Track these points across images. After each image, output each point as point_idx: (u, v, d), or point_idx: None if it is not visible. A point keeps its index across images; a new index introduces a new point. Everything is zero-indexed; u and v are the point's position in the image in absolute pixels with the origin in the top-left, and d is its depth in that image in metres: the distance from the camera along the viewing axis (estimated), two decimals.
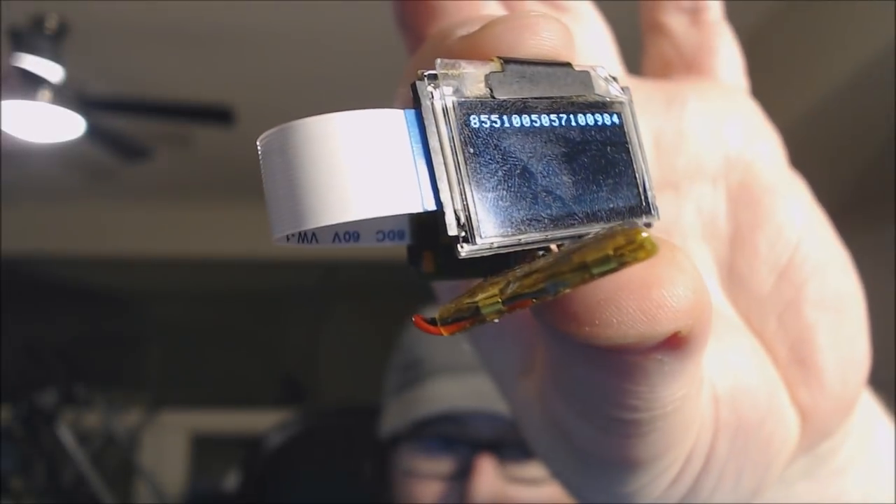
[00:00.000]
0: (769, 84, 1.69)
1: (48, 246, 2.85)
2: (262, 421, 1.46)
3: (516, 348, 0.17)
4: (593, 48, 0.20)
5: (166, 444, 2.75)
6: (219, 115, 1.83)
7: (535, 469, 0.56)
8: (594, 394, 0.13)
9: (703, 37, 0.20)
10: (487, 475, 0.54)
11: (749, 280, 0.18)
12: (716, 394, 0.16)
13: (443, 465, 0.57)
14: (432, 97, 0.12)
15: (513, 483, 0.55)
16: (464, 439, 0.56)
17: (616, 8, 0.28)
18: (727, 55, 0.20)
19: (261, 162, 0.12)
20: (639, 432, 0.14)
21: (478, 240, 0.12)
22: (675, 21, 0.21)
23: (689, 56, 0.20)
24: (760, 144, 0.19)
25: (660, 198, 0.18)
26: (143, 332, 3.05)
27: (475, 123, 0.12)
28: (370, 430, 0.64)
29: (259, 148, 0.12)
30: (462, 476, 0.56)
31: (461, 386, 0.56)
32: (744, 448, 0.16)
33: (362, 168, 0.12)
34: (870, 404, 0.21)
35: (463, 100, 0.12)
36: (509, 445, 0.56)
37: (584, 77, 0.14)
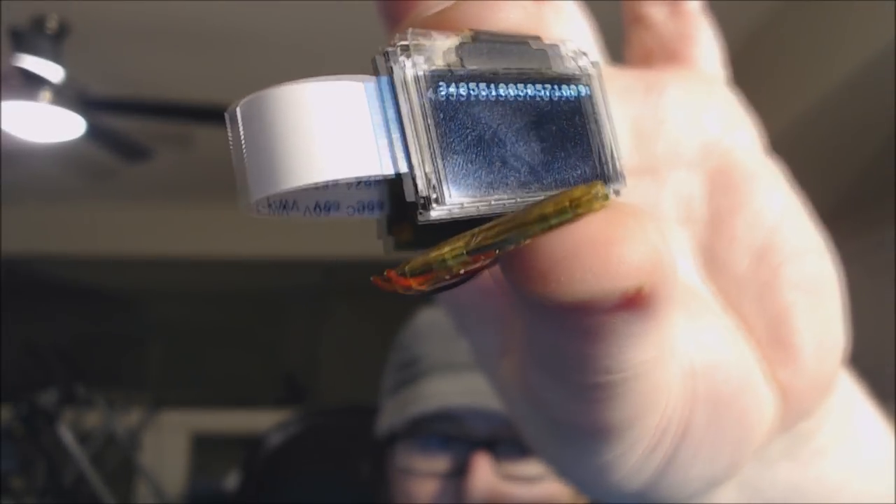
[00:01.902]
0: (769, 84, 1.69)
1: (48, 246, 2.85)
2: (263, 421, 1.46)
3: (497, 329, 0.18)
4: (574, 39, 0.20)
5: (167, 443, 2.75)
6: (219, 115, 1.82)
7: (530, 467, 0.56)
8: (565, 357, 0.14)
9: (683, 27, 0.21)
10: (483, 472, 0.55)
11: (727, 263, 0.18)
12: (691, 367, 0.16)
13: (439, 462, 0.57)
14: (404, 66, 0.13)
15: (508, 480, 0.56)
16: (460, 437, 0.57)
17: (598, 3, 0.29)
18: (706, 45, 0.21)
19: (240, 128, 0.12)
20: (610, 395, 0.14)
21: (447, 201, 0.12)
22: (656, 12, 0.21)
23: (670, 46, 0.21)
24: (738, 132, 0.19)
25: (639, 183, 0.19)
26: (143, 332, 3.06)
27: (444, 91, 0.13)
28: (369, 429, 0.64)
29: (238, 114, 0.12)
30: (458, 474, 0.56)
31: (457, 384, 0.57)
32: (719, 421, 0.17)
33: (335, 132, 0.12)
34: (851, 388, 0.21)
35: (433, 69, 0.13)
36: (505, 443, 0.56)
37: (553, 50, 0.15)
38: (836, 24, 1.57)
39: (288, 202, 0.14)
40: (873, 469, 0.22)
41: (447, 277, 0.12)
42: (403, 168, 0.12)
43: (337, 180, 0.12)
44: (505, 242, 0.12)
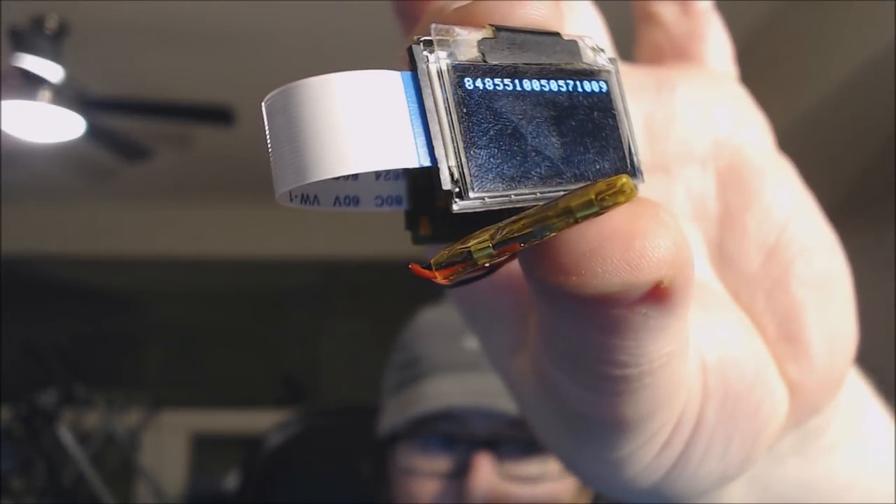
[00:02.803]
0: (769, 84, 1.69)
1: (48, 246, 2.85)
2: (262, 421, 1.46)
3: (510, 326, 0.18)
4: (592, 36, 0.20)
5: (166, 444, 2.75)
6: (219, 115, 1.83)
7: (532, 467, 0.56)
8: (584, 351, 0.14)
9: (693, 25, 0.21)
10: (485, 473, 0.55)
11: (738, 259, 0.18)
12: (704, 362, 0.16)
13: (441, 463, 0.57)
14: (427, 60, 0.13)
15: (510, 481, 0.55)
16: (462, 437, 0.57)
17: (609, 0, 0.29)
18: (716, 42, 0.21)
19: (265, 121, 0.13)
20: (628, 389, 0.14)
21: (471, 194, 0.12)
22: (666, 10, 0.21)
23: (680, 44, 0.21)
24: (748, 128, 0.19)
25: (650, 180, 0.19)
26: (143, 332, 3.06)
27: (468, 85, 0.13)
28: (370, 429, 0.64)
29: (264, 108, 0.13)
30: (460, 474, 0.56)
31: (459, 384, 0.57)
32: (732, 416, 0.17)
33: (361, 125, 0.12)
34: (859, 385, 0.22)
35: (456, 63, 0.13)
36: (507, 443, 0.56)
37: (573, 46, 0.15)
38: (836, 24, 1.57)
39: (309, 196, 0.14)
40: (882, 466, 0.22)
41: (470, 271, 0.12)
42: (426, 162, 0.12)
43: (356, 174, 0.12)
44: (530, 236, 0.12)
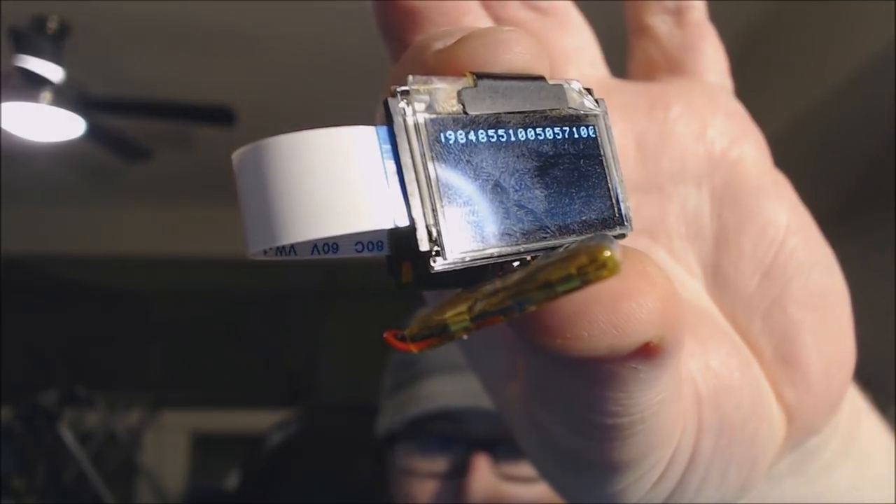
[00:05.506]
0: (768, 84, 1.69)
1: (48, 246, 2.85)
2: (263, 420, 1.46)
3: (502, 353, 0.18)
4: (576, 52, 0.20)
5: (167, 443, 2.75)
6: (219, 116, 1.83)
7: (529, 467, 0.56)
8: (573, 401, 0.14)
9: (688, 37, 0.21)
10: (483, 473, 0.55)
11: (734, 279, 0.18)
12: (698, 394, 0.16)
13: (439, 463, 0.57)
14: (404, 114, 0.12)
15: (508, 481, 0.55)
16: (459, 437, 0.57)
17: (601, 11, 0.28)
18: (711, 55, 0.21)
19: (235, 179, 0.12)
20: (620, 436, 0.14)
21: (449, 254, 0.12)
22: (660, 22, 0.21)
23: (674, 57, 0.21)
24: (744, 145, 0.19)
25: (645, 200, 0.18)
26: (143, 332, 3.05)
27: (447, 139, 0.12)
28: (369, 429, 0.64)
29: (234, 164, 0.12)
30: (458, 474, 0.56)
31: (457, 384, 0.57)
32: (728, 447, 0.16)
33: (333, 185, 0.12)
34: (857, 401, 0.21)
35: (435, 116, 0.12)
36: (504, 444, 0.56)
37: (558, 91, 0.14)
38: (836, 24, 1.57)
39: (285, 248, 0.13)
40: (881, 482, 0.22)
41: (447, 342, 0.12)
42: (403, 222, 0.12)
43: (333, 236, 0.12)
44: (509, 310, 0.11)
